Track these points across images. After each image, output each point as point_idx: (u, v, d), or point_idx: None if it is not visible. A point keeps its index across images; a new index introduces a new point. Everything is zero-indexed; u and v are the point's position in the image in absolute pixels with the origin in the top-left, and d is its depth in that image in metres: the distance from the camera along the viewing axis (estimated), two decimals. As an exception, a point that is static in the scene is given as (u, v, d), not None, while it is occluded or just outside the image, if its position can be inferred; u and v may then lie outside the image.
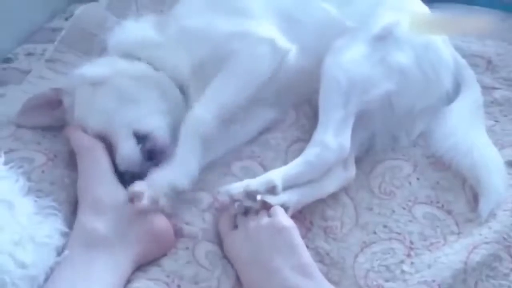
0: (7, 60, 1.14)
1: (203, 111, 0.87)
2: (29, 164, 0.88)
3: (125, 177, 0.87)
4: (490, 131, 1.00)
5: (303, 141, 0.94)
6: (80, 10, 1.21)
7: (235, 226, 0.83)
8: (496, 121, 1.03)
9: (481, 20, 1.04)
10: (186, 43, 0.93)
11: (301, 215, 0.88)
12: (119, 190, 0.84)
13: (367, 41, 0.96)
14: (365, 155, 0.98)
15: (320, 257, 0.84)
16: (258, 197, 0.82)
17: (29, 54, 1.15)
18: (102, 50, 1.05)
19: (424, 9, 1.07)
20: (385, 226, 0.88)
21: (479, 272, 0.79)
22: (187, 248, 0.82)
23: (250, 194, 0.82)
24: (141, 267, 0.80)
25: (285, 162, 0.91)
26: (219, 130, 0.89)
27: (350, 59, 0.94)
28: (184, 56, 0.93)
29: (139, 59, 0.95)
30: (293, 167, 0.88)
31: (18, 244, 0.71)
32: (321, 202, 0.90)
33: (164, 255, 0.81)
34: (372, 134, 0.99)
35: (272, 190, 0.83)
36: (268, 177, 0.85)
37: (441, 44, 1.01)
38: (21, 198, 0.77)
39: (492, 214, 0.86)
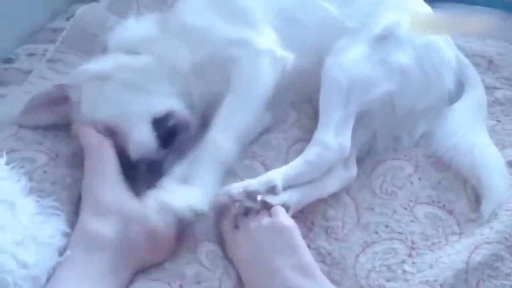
0: (8, 61, 1.14)
1: (223, 138, 0.86)
2: (30, 164, 0.88)
3: (139, 168, 0.87)
4: (491, 131, 0.99)
5: (304, 141, 0.94)
6: (81, 10, 1.21)
7: (236, 226, 0.83)
8: (498, 121, 1.03)
9: (482, 19, 1.04)
10: (186, 40, 0.93)
11: (302, 215, 0.88)
12: (122, 192, 0.83)
13: (367, 41, 0.96)
14: (367, 155, 0.98)
15: (321, 257, 0.84)
16: (259, 197, 0.82)
17: (30, 55, 1.16)
18: (103, 50, 1.05)
19: (426, 8, 1.06)
20: (386, 226, 0.88)
21: (481, 272, 0.79)
22: (188, 248, 0.82)
23: (250, 194, 0.82)
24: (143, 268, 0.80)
25: (287, 162, 0.90)
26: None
27: (350, 59, 0.94)
28: (184, 53, 0.93)
29: (140, 54, 0.95)
30: (294, 166, 0.88)
31: (20, 244, 0.71)
32: (322, 202, 0.90)
33: (164, 260, 0.81)
34: (374, 134, 0.99)
35: (272, 190, 0.83)
36: (268, 177, 0.85)
37: (443, 44, 1.01)
38: (23, 198, 0.77)
39: (494, 214, 0.86)
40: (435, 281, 0.78)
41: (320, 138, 0.90)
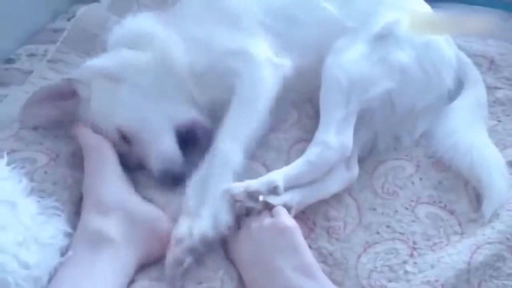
0: (9, 61, 1.14)
1: (232, 148, 0.86)
2: (31, 164, 0.88)
3: (159, 179, 0.86)
4: (492, 131, 0.99)
5: (306, 141, 0.94)
6: (82, 10, 1.21)
7: (238, 227, 0.83)
8: (499, 120, 1.03)
9: (482, 19, 1.04)
10: (185, 46, 0.93)
11: (304, 215, 0.88)
12: (124, 190, 0.84)
13: (367, 41, 0.96)
14: (368, 156, 0.98)
15: (323, 257, 0.84)
16: (260, 198, 0.82)
17: (31, 55, 1.16)
18: (104, 51, 1.05)
19: (426, 8, 1.06)
20: (388, 226, 0.88)
21: (483, 272, 0.79)
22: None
23: (252, 195, 0.82)
24: (144, 267, 0.80)
25: (288, 163, 0.90)
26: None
27: (350, 58, 0.94)
28: (183, 57, 0.93)
29: (140, 49, 0.94)
30: (295, 167, 0.88)
31: (21, 244, 0.71)
32: (324, 202, 0.90)
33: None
34: (375, 134, 0.99)
35: (273, 190, 0.83)
36: (270, 178, 0.85)
37: (443, 43, 1.01)
38: (24, 198, 0.77)
39: (495, 214, 0.86)
40: (436, 281, 0.78)
41: (322, 138, 0.90)
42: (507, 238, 0.82)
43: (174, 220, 0.83)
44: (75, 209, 0.85)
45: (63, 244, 0.77)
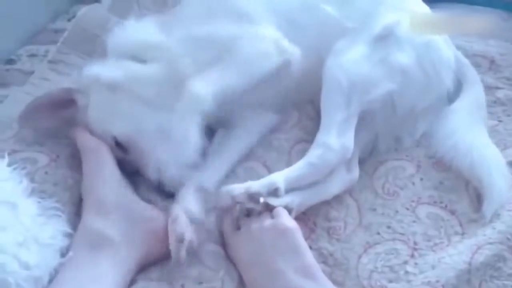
0: (10, 62, 1.14)
1: (200, 86, 0.85)
2: (32, 165, 0.88)
3: (154, 186, 0.87)
4: (493, 131, 1.00)
5: (306, 142, 0.94)
6: (82, 11, 1.21)
7: (238, 228, 0.83)
8: (499, 120, 1.03)
9: (482, 19, 1.04)
10: (191, 50, 0.92)
11: (304, 216, 0.88)
12: (123, 190, 0.84)
13: (367, 42, 0.96)
14: (368, 156, 0.98)
15: (323, 258, 0.84)
16: (261, 199, 0.82)
17: (32, 56, 1.16)
18: (104, 51, 1.05)
19: (425, 8, 1.07)
20: (388, 227, 0.88)
21: (483, 273, 0.79)
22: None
23: (252, 196, 0.82)
24: (145, 267, 0.80)
25: (289, 163, 0.90)
26: (224, 141, 0.90)
27: (350, 59, 0.94)
28: (189, 61, 0.92)
29: (145, 61, 0.93)
30: (296, 169, 0.88)
31: (22, 245, 0.70)
32: (324, 203, 0.90)
33: (168, 255, 0.81)
34: (375, 135, 0.99)
35: (274, 192, 0.83)
36: (271, 179, 0.85)
37: (442, 43, 1.01)
38: (24, 199, 0.77)
39: (496, 215, 0.86)
40: (437, 281, 0.78)
41: (323, 139, 0.90)
42: (508, 238, 0.82)
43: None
44: (76, 209, 0.85)
45: (63, 245, 0.77)
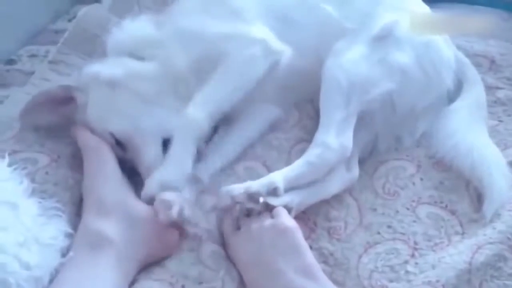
0: (10, 62, 1.14)
1: (196, 111, 0.87)
2: (32, 165, 0.88)
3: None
4: (493, 131, 1.00)
5: (306, 142, 0.94)
6: (83, 11, 1.21)
7: (238, 228, 0.83)
8: (500, 120, 1.03)
9: (483, 19, 1.04)
10: (181, 43, 0.93)
11: (304, 216, 0.88)
12: (123, 190, 0.84)
13: (367, 41, 0.96)
14: (369, 156, 0.98)
15: (324, 257, 0.84)
16: (261, 199, 0.82)
17: (32, 56, 1.16)
18: (104, 51, 1.05)
19: (425, 8, 1.07)
20: (389, 227, 0.88)
21: (484, 272, 0.79)
22: (192, 249, 0.82)
23: (252, 196, 0.82)
24: (145, 267, 0.80)
25: (288, 163, 0.90)
26: (224, 134, 0.91)
27: (350, 59, 0.94)
28: (181, 55, 0.92)
29: (143, 58, 0.94)
30: (295, 168, 0.88)
31: (22, 245, 0.70)
32: (324, 203, 0.90)
33: (169, 255, 0.81)
34: (375, 135, 0.99)
35: (274, 192, 0.83)
36: (270, 179, 0.85)
37: (442, 43, 1.01)
38: (25, 199, 0.77)
39: (497, 215, 0.86)
40: (437, 281, 0.78)
41: (321, 139, 0.90)
42: (508, 238, 0.82)
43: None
44: (76, 210, 0.85)
45: (64, 245, 0.77)
